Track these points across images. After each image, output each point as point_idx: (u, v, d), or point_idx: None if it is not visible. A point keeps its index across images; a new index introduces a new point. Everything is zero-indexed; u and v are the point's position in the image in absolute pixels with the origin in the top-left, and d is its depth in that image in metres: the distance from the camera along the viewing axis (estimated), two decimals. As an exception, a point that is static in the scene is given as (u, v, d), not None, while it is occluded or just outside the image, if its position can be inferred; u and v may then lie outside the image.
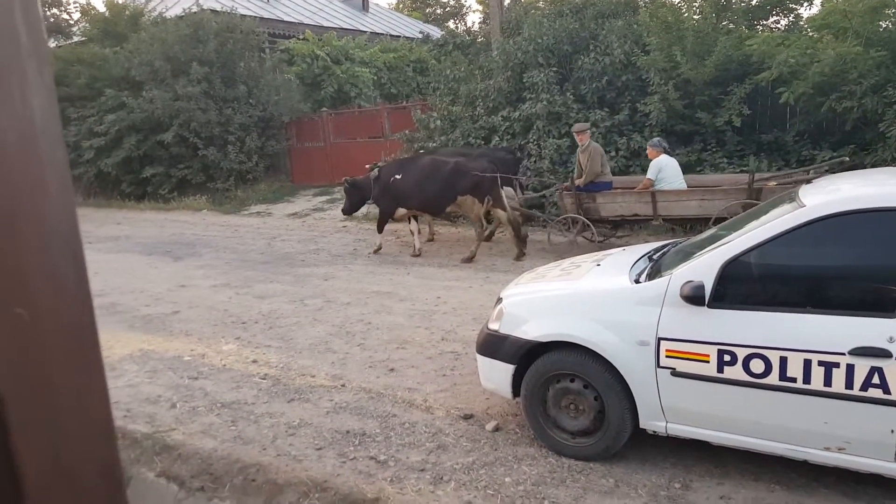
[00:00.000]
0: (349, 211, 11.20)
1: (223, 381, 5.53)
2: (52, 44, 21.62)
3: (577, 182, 9.23)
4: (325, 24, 24.45)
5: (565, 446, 4.06)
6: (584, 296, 4.12)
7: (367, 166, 11.14)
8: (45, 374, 0.57)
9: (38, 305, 0.57)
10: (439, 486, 3.88)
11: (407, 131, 14.24)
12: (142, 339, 6.68)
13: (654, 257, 4.33)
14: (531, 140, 11.80)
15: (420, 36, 24.98)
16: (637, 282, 3.90)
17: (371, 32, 24.67)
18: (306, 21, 23.87)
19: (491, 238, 10.42)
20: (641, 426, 3.78)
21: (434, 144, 13.07)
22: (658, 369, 3.57)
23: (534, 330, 4.08)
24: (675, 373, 3.52)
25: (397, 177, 9.99)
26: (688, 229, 9.04)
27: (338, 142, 17.45)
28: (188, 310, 7.61)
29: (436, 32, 26.25)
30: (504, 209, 9.39)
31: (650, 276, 3.88)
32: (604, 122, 11.21)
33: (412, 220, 10.28)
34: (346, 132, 17.62)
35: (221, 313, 7.40)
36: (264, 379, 5.54)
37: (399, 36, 25.91)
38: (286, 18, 23.58)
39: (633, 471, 3.88)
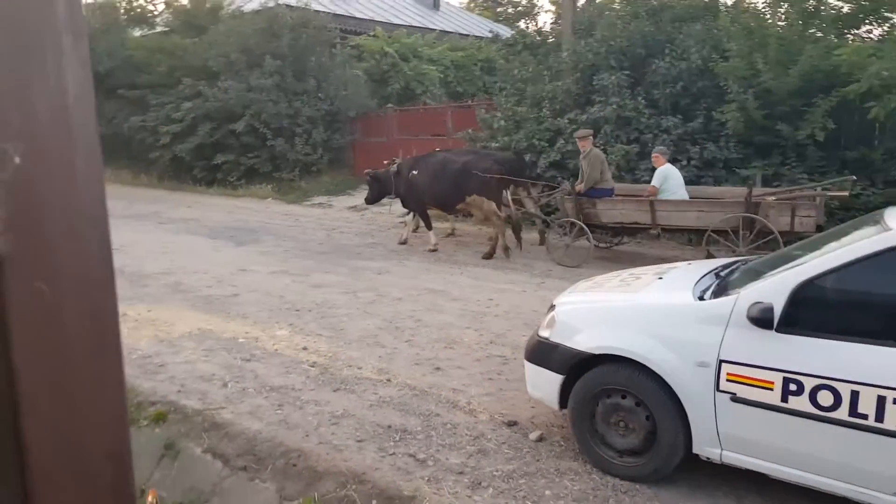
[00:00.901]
0: (371, 201, 11.67)
1: (273, 366, 5.58)
2: (137, 33, 22.39)
3: (577, 188, 9.28)
4: (396, 21, 24.61)
5: (612, 465, 3.91)
6: (642, 309, 3.97)
7: (385, 162, 11.49)
8: (61, 353, 0.56)
9: (60, 282, 0.56)
10: (477, 492, 3.81)
11: (470, 130, 14.18)
12: (201, 318, 6.82)
13: (722, 274, 4.14)
14: (598, 145, 11.52)
15: (489, 35, 24.91)
16: (701, 298, 3.72)
17: (440, 31, 24.70)
18: (378, 18, 24.08)
19: (519, 237, 10.25)
20: (694, 451, 3.59)
21: (496, 144, 12.96)
22: (717, 393, 3.39)
23: (586, 341, 3.95)
24: (735, 398, 3.34)
25: (414, 172, 10.31)
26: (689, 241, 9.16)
27: (401, 138, 17.52)
28: (247, 293, 7.73)
29: (506, 32, 26.12)
30: (509, 207, 9.74)
31: (716, 294, 3.70)
32: (676, 130, 10.89)
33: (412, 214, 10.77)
34: (409, 129, 17.69)
35: (277, 299, 7.49)
36: (313, 367, 5.57)
37: (468, 35, 25.87)
38: (358, 15, 23.83)
39: (682, 497, 3.71)
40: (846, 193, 8.24)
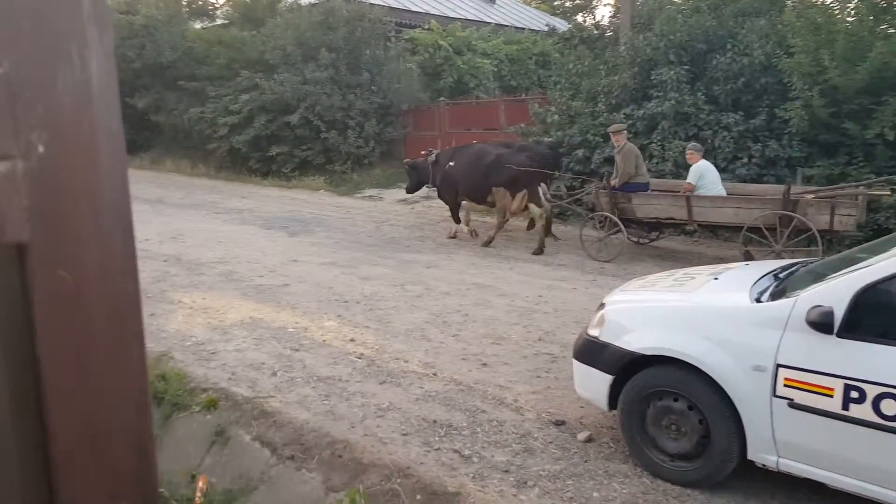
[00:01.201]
0: (411, 190, 12.05)
1: (321, 356, 5.63)
2: (197, 25, 22.86)
3: (611, 182, 9.27)
4: (452, 14, 24.55)
5: (662, 468, 3.82)
6: (696, 310, 3.86)
7: (422, 152, 11.75)
8: (83, 340, 0.55)
9: (83, 270, 0.56)
10: (522, 491, 3.77)
11: (523, 124, 14.05)
12: (253, 307, 6.92)
13: (781, 276, 3.99)
14: (654, 140, 11.32)
15: (546, 29, 24.66)
16: (758, 301, 3.60)
17: (496, 24, 24.56)
18: (433, 11, 24.06)
19: (549, 232, 10.23)
20: (749, 458, 3.48)
21: (549, 139, 12.81)
22: (774, 398, 3.28)
23: (637, 341, 3.86)
24: (792, 404, 3.22)
25: (451, 164, 10.48)
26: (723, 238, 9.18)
27: (453, 132, 17.48)
28: (297, 284, 7.82)
29: (563, 25, 25.84)
30: (539, 205, 9.69)
31: (774, 297, 3.57)
32: (737, 126, 10.57)
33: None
34: (461, 123, 17.64)
35: (327, 290, 7.56)
36: (360, 358, 5.59)
37: (524, 28, 25.64)
38: (414, 8, 23.86)
39: None
40: (887, 192, 8.08)
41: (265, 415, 4.61)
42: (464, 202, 10.78)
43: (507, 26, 25.20)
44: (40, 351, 0.52)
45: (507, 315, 6.79)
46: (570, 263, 9.09)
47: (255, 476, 4.21)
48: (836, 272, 3.37)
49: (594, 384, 4.11)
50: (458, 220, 10.78)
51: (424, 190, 11.98)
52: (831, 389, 3.10)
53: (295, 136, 17.87)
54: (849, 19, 10.30)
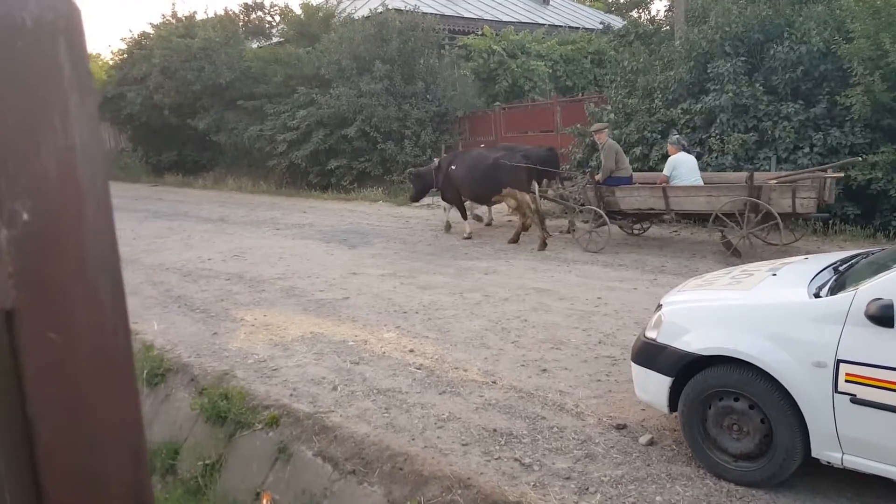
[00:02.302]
0: (416, 198, 12.72)
1: (381, 368, 5.70)
2: (254, 44, 23.53)
3: (596, 178, 9.86)
4: (505, 18, 24.54)
5: (726, 469, 3.75)
6: (754, 308, 3.77)
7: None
8: (76, 397, 0.59)
9: (73, 330, 0.58)
10: (584, 497, 3.74)
11: (579, 125, 13.92)
12: (313, 322, 7.06)
13: (841, 269, 3.86)
14: (713, 134, 11.07)
15: (600, 27, 24.37)
16: (817, 296, 3.49)
17: (550, 25, 24.42)
18: (486, 17, 24.10)
19: (527, 227, 10.76)
20: (814, 455, 3.40)
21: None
22: (836, 394, 3.19)
23: (696, 342, 3.80)
24: (855, 400, 3.13)
25: (452, 167, 11.15)
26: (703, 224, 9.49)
27: (509, 136, 17.45)
28: (356, 296, 7.94)
29: (618, 23, 25.49)
30: (535, 200, 10.40)
31: (833, 291, 3.46)
32: (797, 116, 10.27)
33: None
34: (517, 126, 17.59)
35: (386, 302, 7.65)
36: (419, 369, 5.64)
37: (578, 27, 25.42)
38: (466, 15, 23.95)
39: (802, 503, 3.50)
40: (841, 175, 8.79)
41: (326, 430, 4.69)
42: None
43: (561, 26, 25.04)
44: (32, 411, 0.55)
45: (567, 319, 6.74)
46: (630, 263, 8.96)
47: (317, 492, 4.30)
48: (896, 264, 3.25)
49: (654, 387, 4.06)
50: (465, 217, 11.53)
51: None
52: (894, 383, 3.00)
53: (352, 148, 18.17)
54: (910, 1, 9.91)
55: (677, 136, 10.07)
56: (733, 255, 8.75)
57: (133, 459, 0.62)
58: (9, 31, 0.54)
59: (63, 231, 0.57)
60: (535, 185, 10.45)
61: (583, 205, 10.34)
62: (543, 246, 10.08)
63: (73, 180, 0.57)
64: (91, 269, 0.58)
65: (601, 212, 9.65)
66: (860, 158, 9.10)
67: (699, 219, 9.61)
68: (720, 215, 8.70)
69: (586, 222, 10.14)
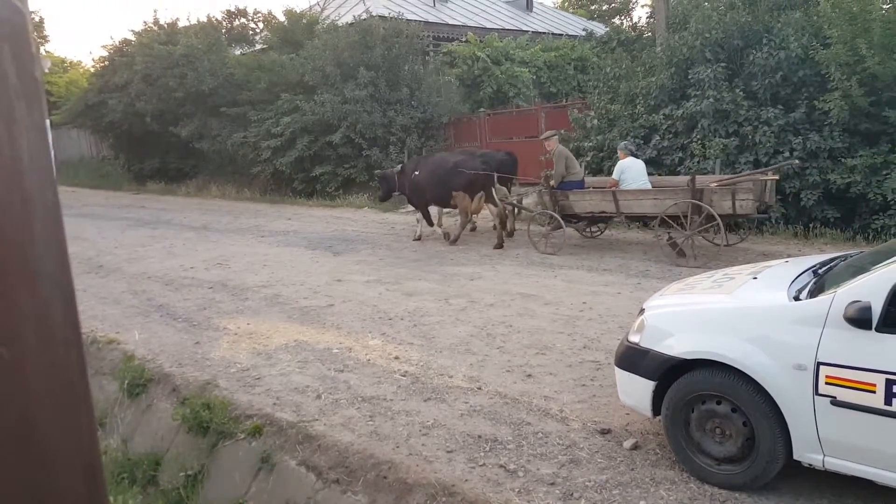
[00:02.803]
0: (384, 198, 13.23)
1: (366, 376, 5.67)
2: (237, 51, 23.43)
3: (550, 183, 10.23)
4: (489, 25, 24.61)
5: (709, 473, 3.76)
6: (735, 311, 3.79)
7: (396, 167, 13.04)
8: (25, 412, 0.57)
9: (23, 344, 0.57)
10: (568, 503, 3.73)
11: (563, 131, 13.98)
12: (297, 329, 7.02)
13: (820, 272, 3.89)
14: (695, 139, 11.16)
15: (583, 33, 24.51)
16: (797, 299, 3.52)
17: (533, 32, 24.52)
18: (470, 23, 24.16)
19: (511, 233, 11.48)
20: (795, 458, 3.42)
21: (590, 144, 12.75)
22: (816, 397, 3.21)
23: (678, 346, 3.81)
24: (835, 402, 3.15)
25: (416, 173, 11.58)
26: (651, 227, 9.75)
27: (494, 142, 17.49)
28: (341, 304, 7.91)
29: (600, 29, 25.62)
30: (495, 204, 10.88)
31: (812, 294, 3.49)
32: (777, 121, 10.40)
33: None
34: (502, 132, 17.64)
35: (371, 309, 7.62)
36: (404, 376, 5.62)
37: (562, 34, 25.55)
38: (450, 21, 24.00)
39: (784, 506, 3.52)
40: (776, 178, 9.15)
41: (310, 439, 4.65)
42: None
43: (544, 33, 25.15)
44: None
45: (552, 324, 6.75)
46: (615, 268, 8.99)
47: (301, 501, 4.26)
48: (875, 265, 3.28)
49: (637, 391, 4.07)
50: (430, 224, 11.89)
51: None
52: (873, 385, 3.04)
53: (337, 155, 18.12)
54: (884, 7, 10.21)
55: (625, 141, 10.61)
56: (679, 255, 9.09)
57: (86, 478, 0.60)
58: None
59: (10, 243, 0.55)
60: (494, 191, 10.80)
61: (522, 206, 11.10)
62: (500, 245, 10.65)
63: (20, 191, 0.56)
64: (41, 284, 0.56)
65: (556, 215, 10.00)
66: (796, 161, 9.65)
67: (648, 221, 9.84)
68: (665, 217, 8.98)
69: (543, 226, 10.54)
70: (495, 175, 10.74)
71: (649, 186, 9.65)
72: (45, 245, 0.57)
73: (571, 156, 10.59)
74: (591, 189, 10.20)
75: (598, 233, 11.21)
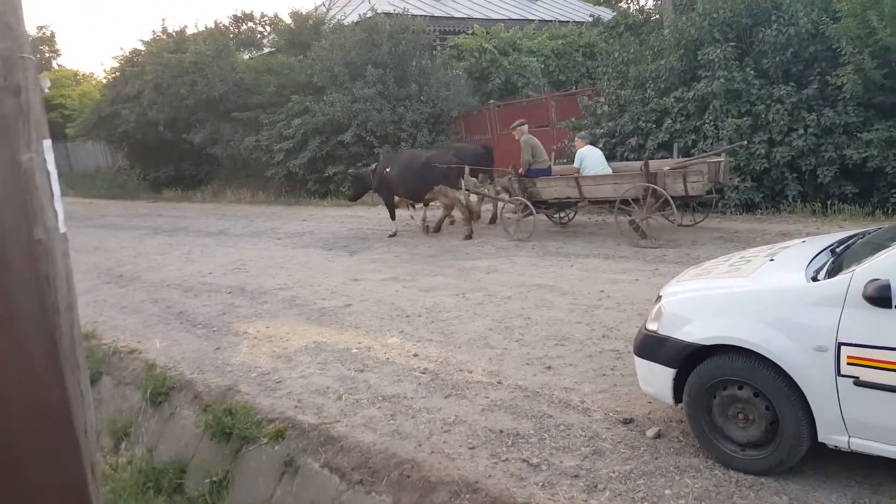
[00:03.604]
0: (354, 198, 13.83)
1: (386, 375, 5.68)
2: (245, 56, 23.53)
3: (519, 171, 10.77)
4: (494, 16, 24.53)
5: (733, 458, 3.72)
6: (753, 294, 3.74)
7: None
8: (5, 453, 0.56)
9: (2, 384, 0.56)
10: (593, 495, 3.71)
11: (573, 118, 13.90)
12: (316, 331, 7.04)
13: (838, 251, 3.83)
14: (707, 121, 11.04)
15: (590, 19, 24.33)
16: (815, 279, 3.47)
17: (539, 20, 24.39)
18: (475, 16, 24.08)
19: (478, 216, 12.03)
20: (820, 440, 3.38)
21: (601, 130, 12.66)
22: (838, 378, 3.17)
23: (697, 332, 3.77)
24: (858, 382, 3.11)
25: (388, 170, 12.07)
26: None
27: (505, 133, 17.41)
28: (359, 303, 7.93)
29: (607, 14, 25.43)
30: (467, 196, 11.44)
31: (830, 273, 3.44)
32: (790, 98, 10.26)
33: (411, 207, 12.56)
34: (512, 123, 17.53)
35: (388, 307, 7.63)
36: (424, 373, 5.62)
37: (568, 21, 25.39)
38: (456, 15, 23.94)
39: (811, 488, 3.48)
40: (722, 159, 9.58)
41: (332, 440, 4.66)
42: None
43: (551, 21, 25.03)
44: None
45: (570, 314, 6.72)
46: (631, 255, 8.93)
47: (326, 503, 4.28)
48: (894, 241, 3.22)
49: (657, 379, 4.04)
50: (394, 218, 12.39)
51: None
52: (895, 363, 2.96)
53: (349, 153, 18.16)
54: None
55: (584, 131, 11.33)
56: (641, 237, 9.49)
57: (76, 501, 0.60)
58: None
59: None
60: (463, 182, 11.29)
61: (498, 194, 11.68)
62: (469, 237, 11.21)
63: None
64: (18, 325, 0.56)
65: (527, 202, 10.50)
66: (745, 143, 10.18)
67: (610, 204, 10.17)
68: (625, 200, 9.42)
69: (515, 212, 10.98)
70: (467, 168, 11.23)
71: (609, 172, 10.19)
72: (22, 285, 0.57)
73: (539, 144, 11.08)
74: (556, 176, 10.71)
75: (567, 219, 11.65)
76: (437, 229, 12.00)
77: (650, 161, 9.58)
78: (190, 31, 24.11)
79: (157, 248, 13.42)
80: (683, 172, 8.99)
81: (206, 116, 21.88)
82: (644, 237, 9.44)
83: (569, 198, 10.40)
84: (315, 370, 5.96)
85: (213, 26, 24.42)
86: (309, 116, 18.44)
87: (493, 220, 12.30)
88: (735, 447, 3.72)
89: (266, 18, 25.83)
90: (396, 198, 12.20)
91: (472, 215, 11.45)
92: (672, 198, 8.93)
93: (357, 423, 4.86)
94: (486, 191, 11.92)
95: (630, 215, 9.57)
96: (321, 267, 10.18)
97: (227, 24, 25.38)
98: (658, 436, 4.24)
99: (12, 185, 0.56)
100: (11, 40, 0.55)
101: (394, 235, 12.16)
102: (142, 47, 24.18)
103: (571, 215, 11.68)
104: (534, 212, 10.46)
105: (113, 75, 25.15)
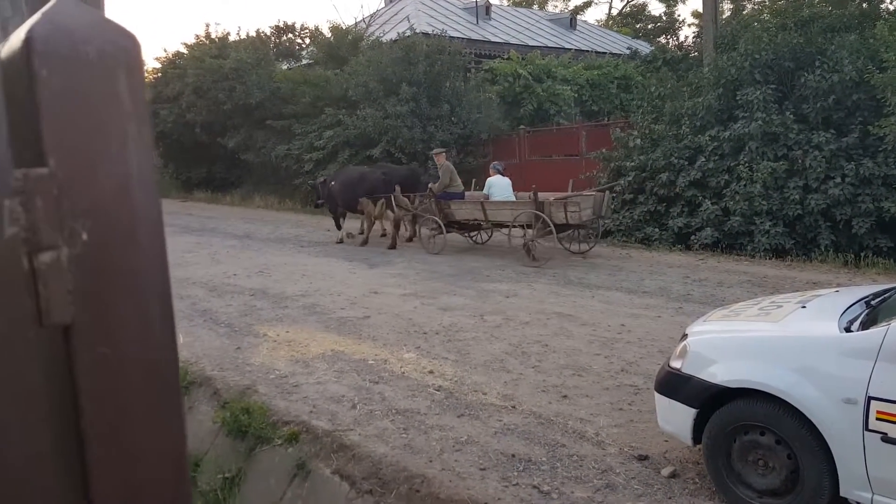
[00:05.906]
0: (317, 205, 15.18)
1: (400, 389, 5.68)
2: (284, 66, 23.86)
3: (434, 191, 12.14)
4: (531, 43, 24.68)
5: (750, 505, 3.67)
6: (783, 341, 3.71)
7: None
8: (125, 410, 0.61)
9: (124, 344, 0.61)
10: (604, 528, 3.68)
11: (604, 150, 13.91)
12: (334, 340, 7.08)
13: (873, 303, 3.79)
14: (742, 162, 10.99)
15: (627, 52, 24.42)
16: (848, 330, 3.43)
17: (576, 50, 24.52)
18: (512, 41, 24.26)
19: (411, 238, 13.53)
20: (842, 494, 3.31)
21: (632, 163, 12.64)
22: (866, 432, 3.11)
23: (722, 373, 3.74)
24: (886, 438, 3.05)
25: (332, 183, 13.49)
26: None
27: (532, 160, 17.49)
28: (377, 315, 7.95)
29: (645, 48, 25.54)
30: (392, 210, 12.75)
31: (864, 325, 3.40)
32: (828, 145, 10.19)
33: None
34: (541, 150, 17.61)
35: (406, 322, 7.65)
36: (438, 391, 5.62)
37: (605, 53, 25.50)
38: (493, 39, 24.13)
39: (829, 544, 3.42)
40: (593, 193, 11.20)
41: (344, 448, 4.68)
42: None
43: (587, 51, 25.14)
44: (85, 425, 0.57)
45: (589, 345, 6.69)
46: (655, 290, 8.88)
47: (335, 509, 4.27)
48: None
49: (677, 418, 4.00)
50: (339, 227, 13.70)
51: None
52: None
53: (377, 168, 18.27)
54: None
55: (496, 162, 12.82)
56: (532, 258, 10.74)
57: (175, 472, 0.63)
58: (75, 63, 0.57)
59: (117, 251, 0.59)
60: (392, 198, 12.47)
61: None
62: (393, 247, 12.62)
63: (128, 205, 0.60)
64: (142, 288, 0.59)
65: (439, 221, 11.92)
66: (620, 184, 12.30)
67: (508, 227, 11.35)
68: (518, 225, 10.90)
69: (430, 230, 12.34)
70: (397, 187, 12.51)
71: (513, 199, 11.61)
72: (148, 254, 0.60)
73: (454, 171, 12.68)
74: (466, 200, 12.15)
75: (481, 241, 13.03)
76: (364, 242, 13.27)
77: (538, 192, 10.76)
78: (232, 38, 24.51)
79: (185, 245, 13.55)
80: (564, 203, 10.32)
81: (242, 122, 22.17)
82: (534, 259, 10.73)
83: (476, 219, 11.82)
84: (331, 377, 5.98)
85: (254, 35, 24.80)
86: (341, 129, 18.59)
87: (410, 239, 13.51)
88: (753, 494, 3.67)
89: (306, 31, 26.21)
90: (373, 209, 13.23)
91: (397, 229, 12.96)
92: (556, 225, 10.27)
93: (370, 434, 4.86)
94: (412, 208, 13.06)
95: (523, 237, 10.96)
96: (342, 277, 10.23)
97: (268, 33, 25.77)
98: (673, 475, 4.20)
99: (146, 165, 0.60)
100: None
101: (340, 242, 13.49)
102: (184, 50, 24.61)
103: (486, 238, 12.99)
104: (444, 231, 11.91)
105: (155, 76, 25.60)
